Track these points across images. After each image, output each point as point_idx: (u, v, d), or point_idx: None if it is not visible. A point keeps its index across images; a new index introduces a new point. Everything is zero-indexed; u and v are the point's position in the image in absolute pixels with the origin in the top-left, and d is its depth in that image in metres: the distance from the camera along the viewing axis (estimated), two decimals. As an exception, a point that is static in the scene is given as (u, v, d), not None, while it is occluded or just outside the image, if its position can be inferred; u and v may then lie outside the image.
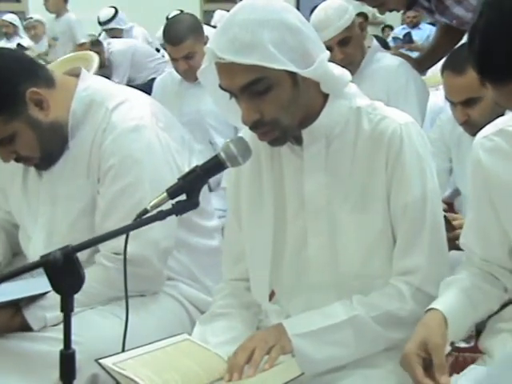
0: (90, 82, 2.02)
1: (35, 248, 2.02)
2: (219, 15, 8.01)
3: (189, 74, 3.57)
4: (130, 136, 1.93)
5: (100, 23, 7.57)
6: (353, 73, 3.36)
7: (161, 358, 1.52)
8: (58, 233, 2.00)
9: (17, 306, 1.85)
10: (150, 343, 1.57)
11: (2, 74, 1.84)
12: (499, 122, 1.63)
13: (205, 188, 2.14)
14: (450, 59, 2.58)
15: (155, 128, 1.98)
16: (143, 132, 1.95)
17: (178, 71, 3.65)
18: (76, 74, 2.03)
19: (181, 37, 3.47)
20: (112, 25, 7.48)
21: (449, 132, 2.89)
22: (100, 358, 1.47)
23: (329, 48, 3.07)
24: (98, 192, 1.95)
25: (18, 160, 1.96)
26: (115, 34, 7.50)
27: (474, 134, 1.69)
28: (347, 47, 3.16)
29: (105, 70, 7.14)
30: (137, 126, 1.95)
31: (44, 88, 1.90)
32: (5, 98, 1.84)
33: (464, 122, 2.54)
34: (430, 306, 1.54)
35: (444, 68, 2.58)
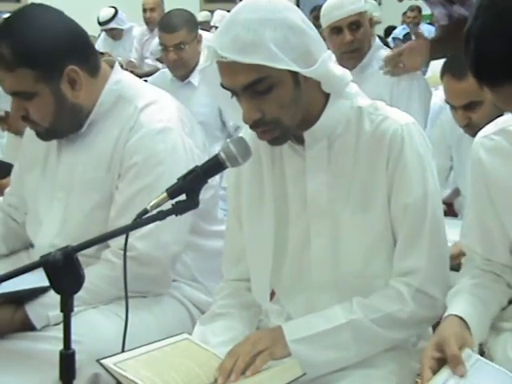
0: (122, 76, 2.04)
1: (46, 232, 2.02)
2: (219, 15, 8.01)
3: (177, 65, 3.78)
4: (157, 137, 1.94)
5: (100, 23, 7.55)
6: (355, 65, 3.38)
7: (161, 359, 1.52)
8: (73, 221, 2.00)
9: (18, 303, 1.84)
10: (150, 343, 1.56)
11: (58, 41, 1.87)
12: (500, 122, 1.63)
13: (215, 194, 2.15)
14: (449, 64, 2.56)
15: (181, 132, 1.99)
16: (169, 134, 1.96)
17: (167, 63, 3.84)
18: (110, 65, 2.06)
19: (175, 25, 3.73)
20: (112, 25, 7.45)
21: (449, 132, 2.89)
22: (101, 358, 1.47)
23: (339, 29, 3.19)
24: (116, 187, 1.96)
25: (24, 119, 1.95)
26: (115, 34, 7.49)
27: (475, 135, 1.69)
28: (357, 32, 3.24)
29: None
30: (164, 128, 1.95)
31: (86, 73, 1.92)
32: (48, 58, 1.86)
33: (465, 124, 2.54)
34: (445, 314, 1.53)
35: (444, 72, 2.56)
